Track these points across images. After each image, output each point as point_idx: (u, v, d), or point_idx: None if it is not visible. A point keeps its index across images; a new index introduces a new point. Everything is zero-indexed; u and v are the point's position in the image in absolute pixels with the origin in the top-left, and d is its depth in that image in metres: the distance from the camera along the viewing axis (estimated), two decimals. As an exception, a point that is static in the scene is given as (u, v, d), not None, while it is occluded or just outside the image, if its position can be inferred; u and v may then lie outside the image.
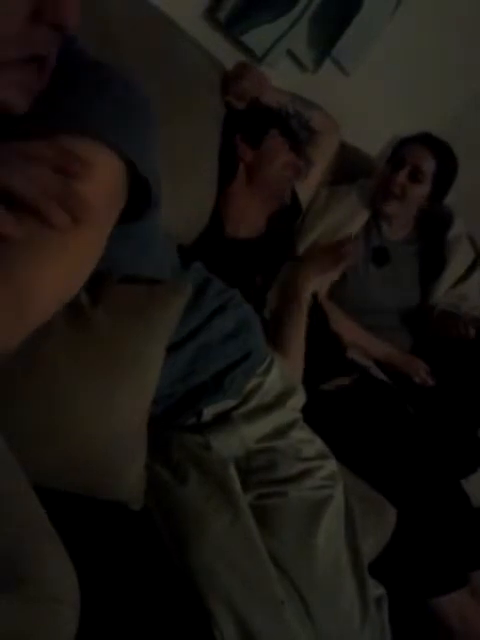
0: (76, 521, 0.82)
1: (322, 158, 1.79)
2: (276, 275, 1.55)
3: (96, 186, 0.59)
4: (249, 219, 1.59)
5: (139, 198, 0.68)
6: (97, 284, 0.82)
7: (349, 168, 2.00)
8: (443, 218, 2.00)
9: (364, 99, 2.05)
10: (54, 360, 0.78)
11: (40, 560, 0.57)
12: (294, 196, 1.75)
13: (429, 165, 1.83)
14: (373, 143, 2.06)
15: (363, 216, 1.92)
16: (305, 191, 1.79)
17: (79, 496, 0.84)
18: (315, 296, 1.65)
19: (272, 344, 1.24)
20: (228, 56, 1.59)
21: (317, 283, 1.47)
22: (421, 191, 1.86)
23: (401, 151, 1.88)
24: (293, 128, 1.60)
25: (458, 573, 1.43)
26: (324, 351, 1.44)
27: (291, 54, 1.78)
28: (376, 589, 1.09)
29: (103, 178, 0.60)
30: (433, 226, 1.99)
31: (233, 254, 1.46)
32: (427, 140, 1.87)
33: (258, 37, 1.62)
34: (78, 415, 0.79)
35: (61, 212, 0.54)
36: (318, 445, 1.16)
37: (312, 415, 1.22)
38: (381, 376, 1.70)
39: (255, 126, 1.57)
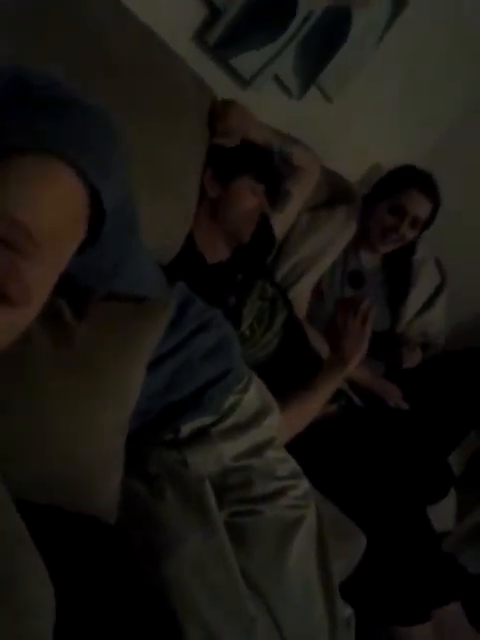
0: (51, 533, 0.82)
1: (300, 193, 1.82)
2: (249, 294, 1.57)
3: (50, 214, 0.55)
4: (211, 247, 1.59)
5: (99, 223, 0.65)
6: (81, 300, 0.83)
7: (330, 193, 2.04)
8: (409, 244, 2.06)
9: (347, 126, 2.10)
10: (36, 375, 0.78)
11: (18, 572, 0.57)
12: (268, 227, 1.77)
13: (426, 213, 1.95)
14: (354, 169, 2.10)
15: (343, 241, 1.97)
16: (281, 223, 1.82)
17: (54, 508, 0.84)
18: (293, 315, 1.68)
19: (285, 397, 1.26)
20: (216, 79, 1.61)
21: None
22: (414, 234, 1.98)
23: (399, 197, 1.93)
24: (275, 166, 1.62)
25: (421, 609, 1.44)
26: (304, 368, 1.45)
27: (277, 79, 1.81)
28: (345, 609, 1.09)
29: (61, 207, 0.57)
30: (398, 252, 2.05)
31: (205, 277, 1.47)
32: (424, 184, 1.94)
33: (246, 61, 1.65)
34: (59, 430, 0.79)
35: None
36: (291, 465, 1.18)
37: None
38: (357, 402, 1.72)
39: (228, 165, 1.55)
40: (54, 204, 0.56)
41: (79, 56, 1.15)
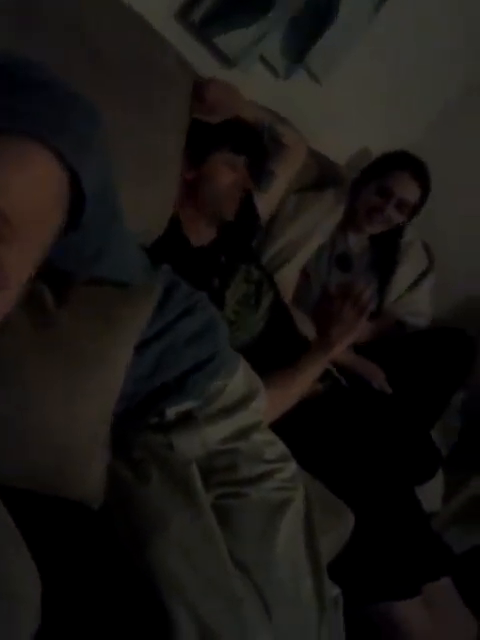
0: (36, 519, 0.82)
1: (285, 172, 1.80)
2: (233, 276, 1.56)
3: (27, 197, 0.55)
4: (195, 230, 1.56)
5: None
6: (63, 286, 0.82)
7: (317, 176, 2.03)
8: (396, 226, 2.06)
9: (334, 108, 2.08)
10: (18, 360, 0.77)
11: (3, 558, 0.57)
12: (252, 207, 1.75)
13: (414, 196, 1.94)
14: (342, 151, 2.09)
15: (331, 224, 1.97)
16: (266, 204, 1.80)
17: (40, 494, 0.84)
18: (280, 297, 1.68)
19: (270, 378, 1.25)
20: (201, 58, 1.59)
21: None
22: (402, 218, 1.97)
23: (386, 178, 1.93)
24: (264, 142, 1.59)
25: (409, 583, 1.46)
26: (290, 351, 1.45)
27: (263, 59, 1.79)
28: (332, 589, 1.10)
29: (39, 190, 0.57)
30: (387, 234, 2.05)
31: (189, 259, 1.45)
32: (414, 168, 1.93)
33: (232, 41, 1.63)
34: (42, 415, 0.79)
35: None
36: (280, 447, 1.18)
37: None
38: (343, 382, 1.72)
39: (201, 143, 1.49)
40: (31, 187, 0.55)
41: (58, 38, 1.13)
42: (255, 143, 1.57)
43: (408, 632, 1.44)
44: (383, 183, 1.93)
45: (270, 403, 1.25)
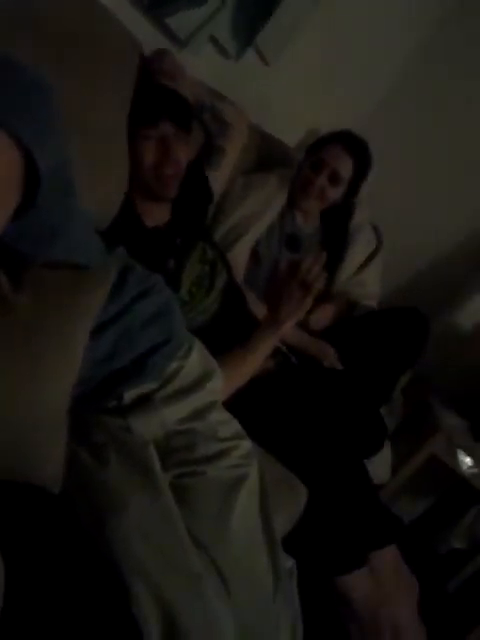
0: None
1: (233, 149, 1.81)
2: (188, 256, 1.56)
3: None
4: (147, 211, 1.51)
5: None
6: (19, 269, 0.82)
7: (266, 157, 2.04)
8: (346, 208, 2.09)
9: (284, 89, 2.09)
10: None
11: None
12: (205, 183, 1.74)
13: (347, 169, 1.94)
14: (291, 133, 2.11)
15: (279, 203, 1.99)
16: (218, 180, 1.81)
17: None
18: (232, 277, 1.69)
19: (224, 355, 1.27)
20: (151, 39, 1.58)
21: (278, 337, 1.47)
22: (337, 193, 1.98)
23: (321, 151, 1.94)
24: (203, 120, 1.56)
25: (357, 554, 1.51)
26: (243, 332, 1.47)
27: (214, 40, 1.79)
28: (287, 561, 1.14)
29: None
30: (336, 216, 2.08)
31: (144, 241, 1.43)
32: (347, 141, 1.94)
33: (182, 22, 1.62)
34: (0, 400, 0.79)
35: None
36: (234, 426, 1.21)
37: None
38: (293, 360, 1.76)
39: (129, 124, 1.38)
40: None
41: (5, 15, 1.11)
42: (171, 105, 1.42)
43: (354, 601, 1.51)
44: (316, 157, 1.95)
45: (224, 383, 1.27)
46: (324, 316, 1.99)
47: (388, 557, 1.58)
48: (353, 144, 1.95)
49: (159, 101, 1.41)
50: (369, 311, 2.06)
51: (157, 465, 0.98)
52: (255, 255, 1.96)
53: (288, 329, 1.46)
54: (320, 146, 1.97)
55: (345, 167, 1.93)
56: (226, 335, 1.44)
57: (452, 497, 2.53)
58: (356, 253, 2.10)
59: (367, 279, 2.11)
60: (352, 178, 1.96)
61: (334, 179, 1.94)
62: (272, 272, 1.88)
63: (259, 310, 1.70)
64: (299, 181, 1.97)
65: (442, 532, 2.50)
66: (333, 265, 2.05)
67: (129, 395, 1.04)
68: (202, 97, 1.63)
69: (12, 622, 0.73)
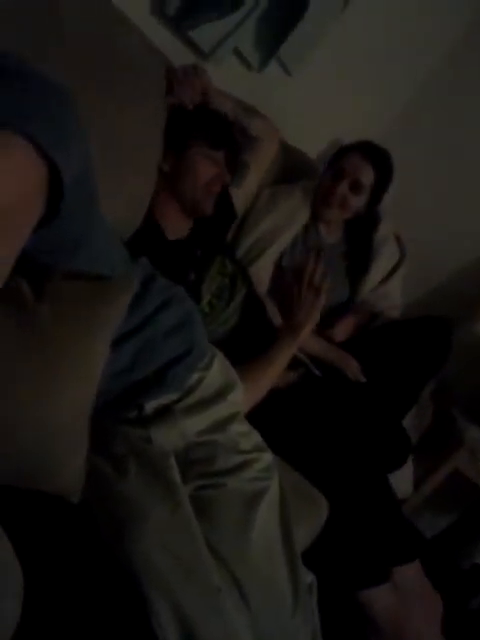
0: (16, 513, 0.83)
1: (259, 164, 1.82)
2: (208, 269, 1.57)
3: (7, 187, 0.55)
4: (170, 223, 1.55)
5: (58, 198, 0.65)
6: (42, 279, 0.82)
7: (290, 169, 2.04)
8: (371, 220, 2.08)
9: (306, 100, 2.09)
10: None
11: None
12: (228, 200, 1.75)
13: (368, 177, 1.93)
14: (314, 144, 2.11)
15: (304, 216, 1.99)
16: (241, 196, 1.81)
17: (20, 489, 0.84)
18: (253, 290, 1.69)
19: (243, 367, 1.27)
20: (175, 51, 1.59)
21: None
22: (360, 201, 1.97)
23: (341, 161, 1.94)
24: (233, 135, 1.58)
25: (380, 569, 1.49)
26: (263, 343, 1.47)
27: (238, 52, 1.80)
28: (307, 576, 1.13)
29: (16, 182, 0.57)
30: (361, 228, 2.07)
31: (165, 253, 1.45)
32: (367, 150, 1.94)
33: (206, 33, 1.63)
34: (20, 408, 0.79)
35: None
36: (255, 438, 1.20)
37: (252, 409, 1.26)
38: (316, 372, 1.74)
39: (180, 133, 1.48)
40: (9, 179, 0.56)
41: (32, 28, 1.12)
42: (232, 137, 1.57)
43: (377, 616, 1.49)
44: (337, 167, 1.95)
45: (245, 394, 1.26)
46: (346, 328, 1.98)
47: (412, 573, 1.55)
48: (374, 153, 1.94)
49: (225, 131, 1.56)
50: (391, 321, 2.04)
51: (177, 477, 0.98)
52: (281, 267, 1.95)
53: (306, 335, 1.47)
54: (340, 156, 1.97)
55: (366, 175, 1.92)
56: (246, 347, 1.44)
57: (476, 512, 2.48)
58: (380, 266, 2.08)
59: (390, 291, 2.09)
60: (374, 187, 1.95)
61: (355, 187, 1.93)
62: (276, 283, 1.88)
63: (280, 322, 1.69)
64: (320, 192, 1.97)
65: (466, 547, 2.46)
66: (357, 277, 2.04)
67: (150, 406, 1.04)
68: (229, 110, 1.64)
69: (31, 632, 0.73)
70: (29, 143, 0.57)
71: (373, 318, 2.07)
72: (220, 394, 1.14)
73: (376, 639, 1.52)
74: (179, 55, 1.59)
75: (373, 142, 1.98)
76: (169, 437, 1.03)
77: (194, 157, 1.50)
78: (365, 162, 1.92)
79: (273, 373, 1.42)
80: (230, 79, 1.73)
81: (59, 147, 0.60)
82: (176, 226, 1.56)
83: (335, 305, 1.99)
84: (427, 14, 2.23)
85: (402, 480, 1.93)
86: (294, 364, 1.65)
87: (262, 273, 1.87)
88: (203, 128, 1.50)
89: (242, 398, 1.21)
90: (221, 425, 1.12)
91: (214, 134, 1.51)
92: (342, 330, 1.97)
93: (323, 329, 1.90)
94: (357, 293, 2.04)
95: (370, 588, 1.46)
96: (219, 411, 1.13)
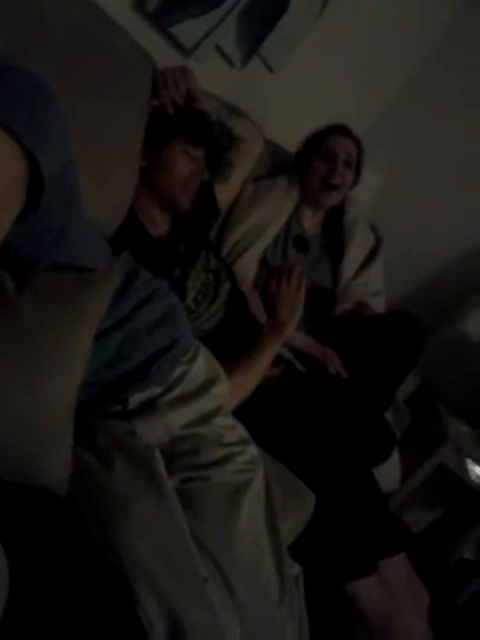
0: (2, 506, 0.82)
1: (243, 163, 1.83)
2: (193, 266, 1.57)
3: None
4: (152, 221, 1.55)
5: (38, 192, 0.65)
6: (24, 272, 0.82)
7: (272, 164, 2.06)
8: (337, 206, 2.10)
9: (288, 97, 2.11)
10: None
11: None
12: (211, 196, 1.76)
13: (354, 151, 2.00)
14: (294, 140, 2.11)
15: (287, 210, 2.00)
16: (226, 193, 1.82)
17: (5, 482, 0.84)
18: (237, 286, 1.70)
19: (227, 366, 1.27)
20: (157, 48, 1.59)
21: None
22: (352, 176, 2.03)
23: (324, 145, 1.98)
24: (215, 134, 1.59)
25: (366, 561, 1.50)
26: (247, 339, 1.48)
27: (219, 49, 1.80)
28: (293, 567, 1.13)
29: (3, 171, 0.58)
30: (332, 216, 2.10)
31: (150, 250, 1.45)
32: (338, 128, 2.01)
33: (187, 30, 1.64)
34: (5, 403, 0.79)
35: None
36: (240, 431, 1.21)
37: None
38: (299, 367, 1.75)
39: (158, 131, 1.48)
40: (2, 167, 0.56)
41: (14, 26, 1.12)
42: (212, 134, 1.58)
43: (364, 609, 1.49)
44: (323, 149, 1.99)
45: (231, 391, 1.27)
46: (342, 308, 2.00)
47: (398, 566, 1.56)
48: (344, 129, 2.01)
49: (205, 129, 1.56)
50: (369, 316, 2.06)
51: (162, 469, 0.98)
52: (264, 262, 1.96)
53: (290, 332, 1.48)
54: (319, 142, 2.00)
55: (352, 150, 2.00)
56: (231, 343, 1.44)
57: (462, 507, 2.50)
58: (357, 246, 2.10)
59: (371, 278, 2.10)
60: (357, 158, 2.02)
61: (348, 163, 1.99)
62: (260, 279, 1.90)
63: (264, 317, 1.70)
64: (316, 177, 1.99)
65: (452, 542, 2.48)
66: (336, 265, 2.06)
67: (134, 399, 1.04)
68: (211, 111, 1.64)
69: (16, 624, 0.73)
70: (8, 136, 0.57)
71: (360, 307, 2.07)
72: (204, 387, 1.14)
73: (363, 631, 1.52)
74: (160, 52, 1.59)
75: (334, 123, 2.03)
76: (153, 430, 1.03)
77: (172, 153, 1.50)
78: (345, 138, 1.99)
79: (259, 369, 1.42)
80: (212, 76, 1.74)
81: (39, 141, 0.60)
82: (156, 223, 1.56)
83: (320, 296, 2.00)
84: (410, 13, 2.25)
85: (388, 474, 1.94)
86: (277, 360, 1.66)
87: (247, 269, 1.88)
88: (183, 125, 1.50)
89: (226, 392, 1.21)
90: (205, 418, 1.12)
91: (193, 130, 1.51)
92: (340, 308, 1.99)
93: (308, 323, 1.92)
94: (338, 282, 2.05)
95: (356, 580, 1.46)
96: (203, 404, 1.13)
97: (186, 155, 1.51)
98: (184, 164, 1.51)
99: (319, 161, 1.99)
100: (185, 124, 1.51)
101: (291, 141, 2.15)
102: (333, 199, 2.03)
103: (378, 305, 2.12)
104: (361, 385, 1.79)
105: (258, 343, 1.44)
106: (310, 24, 1.92)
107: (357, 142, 2.02)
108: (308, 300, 1.57)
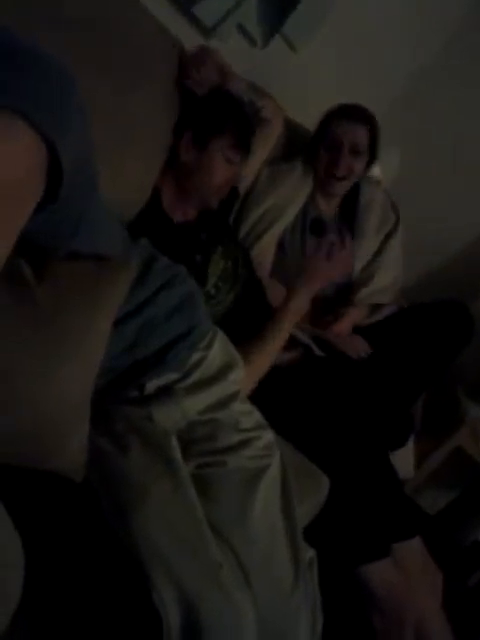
0: (18, 492, 0.84)
1: (264, 147, 1.81)
2: (214, 252, 1.57)
3: (6, 169, 0.55)
4: (179, 209, 1.57)
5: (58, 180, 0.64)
6: (42, 260, 0.82)
7: (291, 144, 2.02)
8: (352, 188, 2.04)
9: (310, 76, 2.07)
10: (-1, 334, 0.78)
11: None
12: (234, 187, 1.74)
13: (364, 138, 1.89)
14: (316, 120, 2.08)
15: (305, 193, 1.97)
16: (243, 178, 1.80)
17: (22, 468, 0.85)
18: (253, 273, 1.69)
19: (244, 346, 1.27)
20: (178, 28, 1.57)
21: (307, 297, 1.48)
22: (362, 163, 1.93)
23: (332, 133, 1.90)
24: (249, 120, 1.58)
25: (381, 544, 1.50)
26: (261, 324, 1.47)
27: (241, 28, 1.77)
28: (307, 552, 1.14)
29: (15, 163, 0.57)
30: (347, 198, 2.05)
31: (172, 236, 1.46)
32: (348, 113, 1.90)
33: (209, 10, 1.61)
34: (21, 388, 0.79)
35: None
36: (256, 417, 1.21)
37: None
38: (319, 352, 1.75)
39: (206, 127, 1.49)
40: (8, 160, 0.55)
41: (32, 8, 1.11)
42: (251, 134, 1.58)
43: (377, 592, 1.51)
44: (329, 137, 1.91)
45: (250, 364, 1.27)
46: (346, 326, 1.97)
47: (414, 550, 1.57)
48: (355, 112, 1.90)
49: (250, 134, 1.58)
50: (412, 305, 2.02)
51: (178, 454, 0.99)
52: (281, 245, 1.95)
53: (315, 287, 1.47)
54: (325, 129, 1.92)
55: (361, 137, 1.89)
56: (246, 328, 1.44)
57: (476, 490, 2.50)
58: (370, 233, 2.03)
59: (386, 261, 2.04)
60: (370, 143, 1.91)
61: (355, 151, 1.89)
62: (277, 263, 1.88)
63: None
64: (322, 167, 1.94)
65: (466, 525, 2.48)
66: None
67: (151, 385, 1.05)
68: (242, 92, 1.62)
69: (34, 609, 0.74)
70: (29, 127, 0.56)
71: (375, 309, 2.05)
72: (221, 373, 1.15)
73: (377, 615, 1.54)
74: (182, 32, 1.57)
75: (346, 103, 1.93)
76: (170, 416, 1.04)
77: (214, 156, 1.51)
78: (354, 124, 1.88)
79: (278, 339, 1.40)
80: (234, 56, 1.72)
81: (58, 130, 0.59)
82: (183, 212, 1.57)
83: (338, 284, 1.98)
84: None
85: (403, 460, 1.94)
86: (295, 344, 1.65)
87: (265, 253, 1.86)
88: (230, 123, 1.51)
89: (243, 377, 1.21)
90: (222, 404, 1.13)
91: (240, 133, 1.52)
92: (343, 327, 1.96)
93: (325, 316, 1.91)
94: (355, 262, 2.00)
95: (370, 563, 1.47)
96: (220, 390, 1.13)
97: (228, 162, 1.53)
98: (223, 171, 1.53)
99: (324, 151, 1.92)
100: (232, 123, 1.51)
101: (312, 121, 2.12)
102: (342, 188, 1.97)
103: (390, 299, 2.08)
104: (394, 371, 1.77)
105: (270, 322, 1.42)
106: (333, 3, 1.87)
107: (369, 124, 1.91)
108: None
